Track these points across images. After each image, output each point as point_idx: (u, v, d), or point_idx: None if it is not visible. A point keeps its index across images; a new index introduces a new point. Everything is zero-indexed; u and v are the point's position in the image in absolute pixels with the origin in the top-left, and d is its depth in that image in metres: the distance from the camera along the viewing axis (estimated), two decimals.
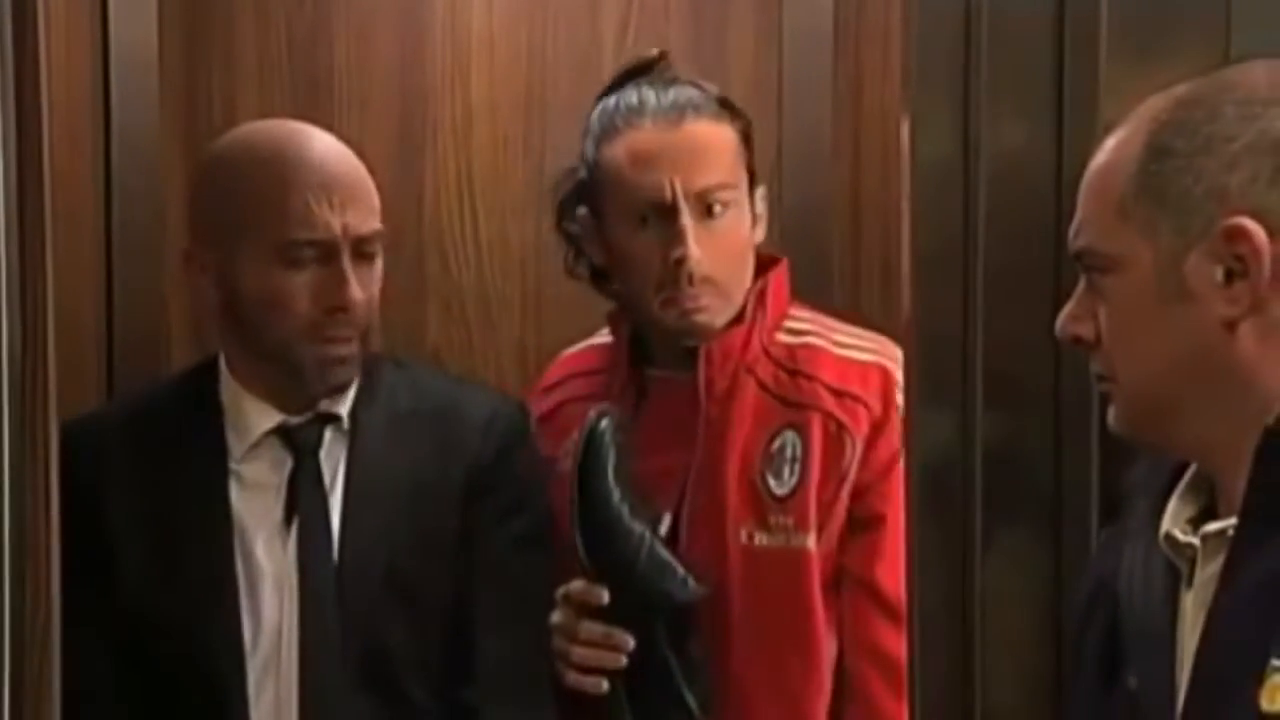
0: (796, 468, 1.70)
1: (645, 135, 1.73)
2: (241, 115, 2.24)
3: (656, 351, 1.81)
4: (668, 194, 1.71)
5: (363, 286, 1.61)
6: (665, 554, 1.67)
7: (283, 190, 1.59)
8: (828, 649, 1.69)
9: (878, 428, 1.69)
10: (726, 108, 1.78)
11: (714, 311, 1.74)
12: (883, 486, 1.68)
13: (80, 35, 2.12)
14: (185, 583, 1.60)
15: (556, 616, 1.70)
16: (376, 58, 2.36)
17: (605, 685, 1.67)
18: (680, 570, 1.67)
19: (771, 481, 1.70)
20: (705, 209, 1.71)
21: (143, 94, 2.22)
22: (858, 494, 1.69)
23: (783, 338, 1.78)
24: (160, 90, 2.25)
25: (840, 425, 1.70)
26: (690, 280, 1.71)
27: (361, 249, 1.62)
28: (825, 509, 1.69)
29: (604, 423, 1.70)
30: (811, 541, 1.68)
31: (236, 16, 2.34)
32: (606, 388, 1.82)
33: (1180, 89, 1.07)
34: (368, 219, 1.62)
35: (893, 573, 1.63)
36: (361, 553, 1.63)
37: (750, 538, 1.70)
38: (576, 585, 1.69)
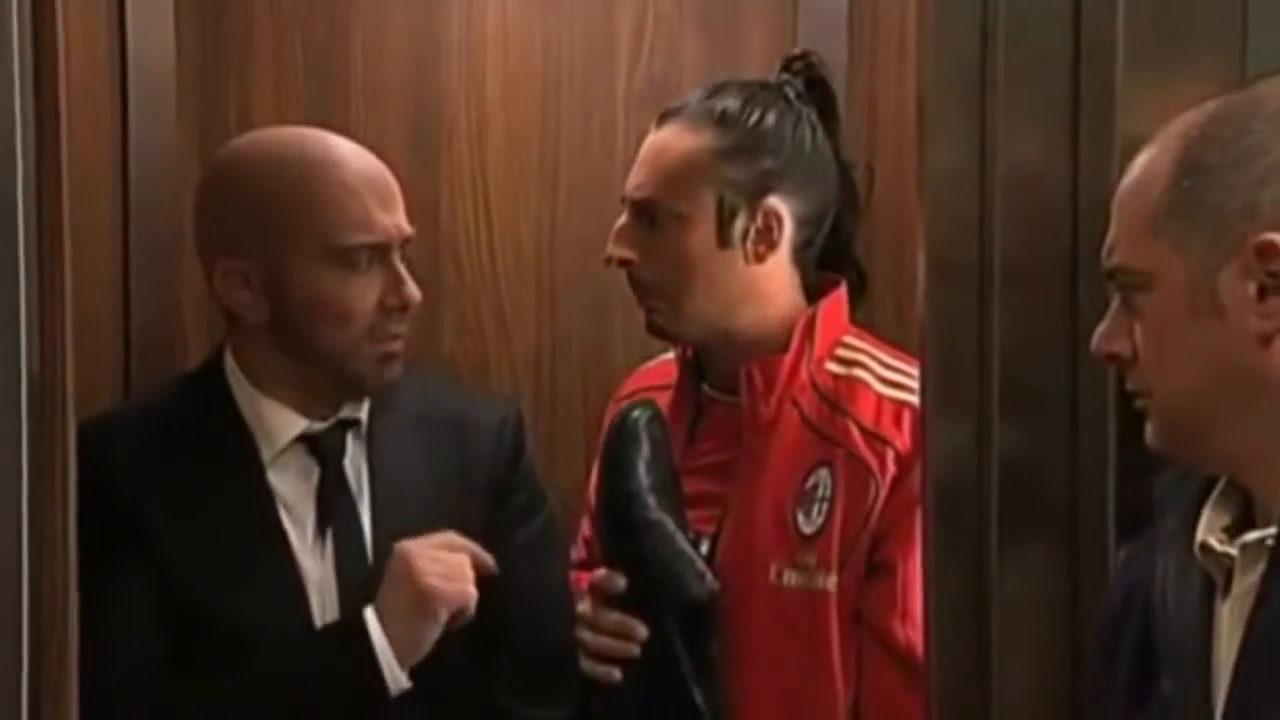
0: (825, 507, 1.66)
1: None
2: (258, 122, 2.25)
3: (709, 373, 1.80)
4: (626, 192, 1.75)
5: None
6: (686, 548, 1.66)
7: (338, 195, 1.58)
8: (843, 691, 1.65)
9: (905, 472, 1.62)
10: (716, 119, 1.71)
11: (666, 317, 1.73)
12: (901, 532, 1.61)
13: (98, 44, 2.13)
14: (251, 590, 1.59)
15: (582, 605, 1.71)
16: (391, 64, 2.37)
17: (617, 674, 1.67)
18: (699, 565, 1.65)
19: (801, 519, 1.67)
20: (649, 217, 1.72)
21: (160, 101, 2.23)
22: (878, 539, 1.64)
23: (832, 367, 1.73)
24: (177, 98, 2.26)
25: (866, 467, 1.65)
26: (631, 280, 1.75)
27: (405, 249, 1.64)
28: (847, 551, 1.64)
29: (637, 412, 1.70)
30: (832, 583, 1.64)
31: (253, 24, 2.35)
32: (669, 405, 1.80)
33: (1211, 104, 1.07)
34: (406, 219, 1.64)
35: (908, 623, 1.59)
36: None
37: (779, 575, 1.66)
38: (600, 574, 1.70)
